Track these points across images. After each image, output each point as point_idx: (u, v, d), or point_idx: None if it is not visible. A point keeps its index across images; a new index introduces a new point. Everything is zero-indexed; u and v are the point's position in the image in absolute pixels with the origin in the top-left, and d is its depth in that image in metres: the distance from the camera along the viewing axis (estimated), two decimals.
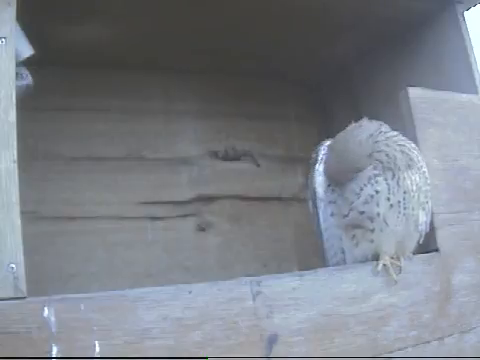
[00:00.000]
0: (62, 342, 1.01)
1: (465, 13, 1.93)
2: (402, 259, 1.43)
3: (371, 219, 1.38)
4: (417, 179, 1.40)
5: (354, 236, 1.42)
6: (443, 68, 1.95)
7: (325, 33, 2.08)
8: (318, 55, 2.28)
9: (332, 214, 1.49)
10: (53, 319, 1.01)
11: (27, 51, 1.29)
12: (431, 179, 1.47)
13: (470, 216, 1.62)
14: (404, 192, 1.38)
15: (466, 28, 1.91)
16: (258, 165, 2.44)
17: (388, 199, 1.37)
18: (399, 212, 1.38)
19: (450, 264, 1.52)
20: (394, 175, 1.37)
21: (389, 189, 1.37)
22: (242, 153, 2.42)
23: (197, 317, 1.14)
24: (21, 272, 1.03)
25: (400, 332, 1.38)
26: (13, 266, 1.03)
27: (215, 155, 2.38)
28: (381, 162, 1.37)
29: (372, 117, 1.47)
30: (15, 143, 1.09)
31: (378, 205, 1.37)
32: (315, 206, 1.55)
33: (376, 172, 1.37)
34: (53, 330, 1.01)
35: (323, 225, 1.55)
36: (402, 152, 1.39)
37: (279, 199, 2.43)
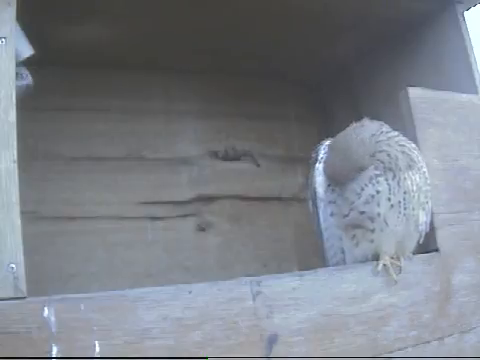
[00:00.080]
0: (62, 342, 1.01)
1: (465, 13, 1.93)
2: (402, 259, 1.43)
3: (371, 219, 1.38)
4: (417, 179, 1.40)
5: (354, 236, 1.42)
6: (443, 68, 1.95)
7: (325, 33, 2.08)
8: (318, 55, 2.28)
9: (332, 214, 1.49)
10: (53, 319, 1.01)
11: (27, 51, 1.29)
12: (431, 179, 1.47)
13: (470, 216, 1.62)
14: (404, 192, 1.38)
15: (466, 28, 1.91)
16: (258, 165, 2.44)
17: (389, 199, 1.37)
18: (399, 212, 1.38)
19: (450, 264, 1.52)
20: (395, 175, 1.37)
21: (390, 189, 1.37)
22: (242, 153, 2.42)
23: (197, 317, 1.14)
24: (21, 272, 1.03)
25: (400, 332, 1.38)
26: (13, 266, 1.03)
27: (215, 155, 2.38)
28: (382, 162, 1.37)
29: (372, 117, 1.47)
30: (15, 143, 1.09)
31: (379, 205, 1.37)
32: (315, 206, 1.55)
33: (377, 172, 1.37)
34: (53, 330, 1.01)
35: (323, 225, 1.55)
36: (403, 152, 1.39)
37: (279, 199, 2.43)
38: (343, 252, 1.52)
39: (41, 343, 1.00)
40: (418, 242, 1.48)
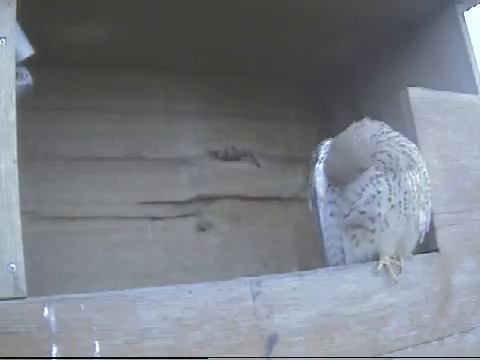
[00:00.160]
0: (62, 342, 1.01)
1: (465, 13, 1.93)
2: (402, 259, 1.43)
3: (372, 219, 1.38)
4: (418, 179, 1.40)
5: (354, 236, 1.42)
6: (443, 68, 1.95)
7: (326, 33, 2.08)
8: (318, 55, 2.28)
9: (332, 214, 1.49)
10: (53, 319, 1.01)
11: (27, 51, 1.29)
12: (431, 179, 1.47)
13: (470, 216, 1.62)
14: (405, 192, 1.38)
15: (466, 28, 1.91)
16: (258, 165, 2.44)
17: (389, 200, 1.37)
18: (400, 212, 1.38)
19: (450, 264, 1.52)
20: (395, 176, 1.37)
21: (390, 189, 1.37)
22: (242, 153, 2.42)
23: (197, 317, 1.14)
24: (21, 272, 1.03)
25: (400, 332, 1.38)
26: (13, 266, 1.03)
27: (215, 155, 2.38)
28: (383, 163, 1.37)
29: (372, 117, 1.47)
30: (15, 143, 1.09)
31: (379, 205, 1.37)
32: (315, 206, 1.55)
33: (378, 173, 1.37)
34: (53, 330, 1.01)
35: (323, 225, 1.55)
36: (403, 153, 1.39)
37: (279, 199, 2.43)
38: (343, 252, 1.52)
39: (41, 343, 1.00)
40: (418, 242, 1.48)
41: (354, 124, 1.45)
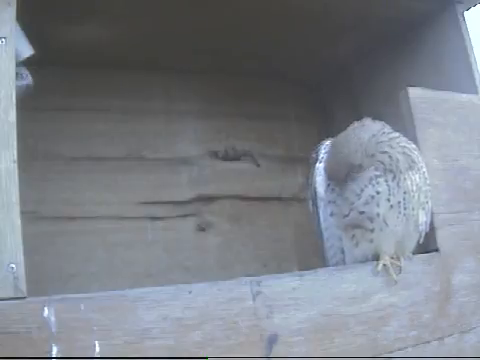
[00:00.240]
0: (62, 342, 1.01)
1: (465, 13, 1.93)
2: (402, 259, 1.43)
3: (371, 219, 1.38)
4: (417, 179, 1.40)
5: (354, 236, 1.42)
6: (443, 68, 1.95)
7: (326, 33, 2.08)
8: (318, 55, 2.28)
9: (332, 214, 1.49)
10: (53, 319, 1.01)
11: (27, 51, 1.29)
12: (431, 179, 1.47)
13: (470, 216, 1.62)
14: (404, 192, 1.38)
15: (466, 28, 1.91)
16: (258, 165, 2.44)
17: (388, 200, 1.37)
18: (399, 212, 1.38)
19: (450, 264, 1.52)
20: (395, 176, 1.37)
21: (389, 190, 1.37)
22: (242, 153, 2.42)
23: (197, 317, 1.14)
24: (21, 272, 1.03)
25: (400, 332, 1.38)
26: (13, 266, 1.03)
27: (215, 155, 2.38)
28: (383, 163, 1.37)
29: (372, 117, 1.47)
30: (15, 143, 1.09)
31: (378, 206, 1.37)
32: (315, 206, 1.55)
33: (377, 173, 1.37)
34: (53, 330, 1.01)
35: (323, 225, 1.56)
36: (404, 154, 1.39)
37: (279, 199, 2.43)
38: (343, 252, 1.52)
39: (41, 343, 1.00)
40: (418, 242, 1.48)
41: (355, 124, 1.45)
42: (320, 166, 1.51)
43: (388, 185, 1.37)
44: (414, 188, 1.39)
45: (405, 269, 1.42)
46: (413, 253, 1.48)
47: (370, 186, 1.37)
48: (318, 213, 1.55)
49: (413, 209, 1.40)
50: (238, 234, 2.31)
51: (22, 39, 1.27)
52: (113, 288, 1.23)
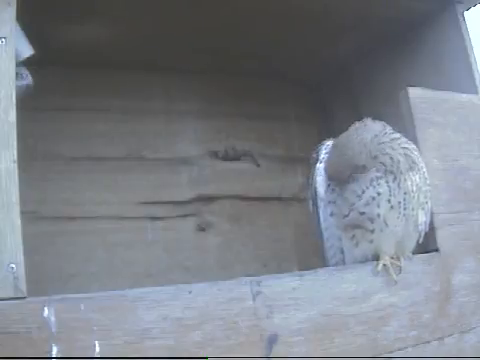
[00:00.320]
0: (62, 342, 1.01)
1: (465, 13, 1.93)
2: (402, 259, 1.43)
3: (371, 220, 1.38)
4: (417, 179, 1.40)
5: (354, 236, 1.42)
6: (443, 68, 1.95)
7: (326, 33, 2.08)
8: (318, 55, 2.28)
9: (332, 214, 1.49)
10: (53, 319, 1.01)
11: (27, 51, 1.29)
12: (431, 179, 1.47)
13: (470, 216, 1.62)
14: (404, 193, 1.38)
15: (466, 28, 1.91)
16: (258, 165, 2.44)
17: (389, 201, 1.37)
18: (399, 213, 1.38)
19: (450, 264, 1.52)
20: (395, 177, 1.37)
21: (390, 191, 1.37)
22: (242, 153, 2.42)
23: (197, 317, 1.14)
24: (21, 272, 1.03)
25: (400, 332, 1.38)
26: (13, 266, 1.03)
27: (215, 155, 2.38)
28: (384, 165, 1.37)
29: (372, 117, 1.47)
30: (15, 143, 1.09)
31: (379, 206, 1.37)
32: (315, 206, 1.55)
33: (378, 174, 1.37)
34: (53, 330, 1.01)
35: (323, 225, 1.56)
36: (405, 155, 1.39)
37: (279, 199, 2.43)
38: (342, 252, 1.52)
39: (41, 343, 1.00)
40: (417, 242, 1.48)
41: (356, 124, 1.45)
42: (321, 166, 1.51)
43: (389, 186, 1.37)
44: (414, 188, 1.39)
45: (405, 269, 1.42)
46: (413, 253, 1.48)
47: (371, 187, 1.37)
48: (318, 213, 1.55)
49: (413, 209, 1.40)
50: (238, 234, 2.31)
51: (22, 39, 1.27)
52: (113, 288, 1.23)
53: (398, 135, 1.42)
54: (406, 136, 1.45)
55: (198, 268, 2.17)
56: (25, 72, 1.30)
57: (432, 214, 1.49)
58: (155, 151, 2.25)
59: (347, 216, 1.41)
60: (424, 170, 1.43)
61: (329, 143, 1.51)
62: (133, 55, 2.09)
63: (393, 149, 1.38)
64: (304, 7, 1.86)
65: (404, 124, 1.58)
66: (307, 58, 2.30)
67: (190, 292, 1.15)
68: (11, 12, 1.16)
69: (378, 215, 1.37)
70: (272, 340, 1.20)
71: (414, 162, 1.40)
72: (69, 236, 2.00)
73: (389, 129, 1.43)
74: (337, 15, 1.95)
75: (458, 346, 1.47)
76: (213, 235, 2.28)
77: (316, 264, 1.50)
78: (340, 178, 1.41)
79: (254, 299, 1.21)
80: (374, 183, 1.37)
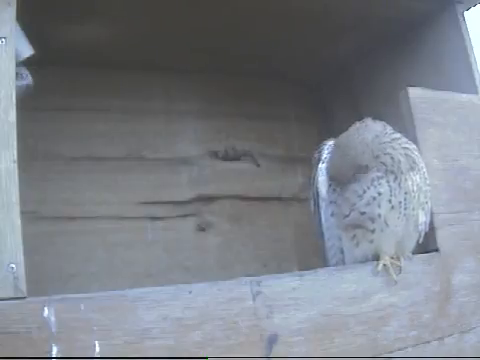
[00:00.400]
0: (62, 342, 1.01)
1: (465, 13, 1.93)
2: (402, 259, 1.43)
3: (372, 220, 1.38)
4: (418, 179, 1.40)
5: (354, 236, 1.42)
6: (443, 68, 1.95)
7: (326, 33, 2.08)
8: (318, 55, 2.28)
9: (332, 214, 1.50)
10: (53, 319, 1.01)
11: (27, 51, 1.29)
12: (431, 179, 1.47)
13: (470, 216, 1.62)
14: (405, 193, 1.38)
15: (466, 28, 1.91)
16: (258, 165, 2.44)
17: (390, 201, 1.37)
18: (400, 213, 1.39)
19: (450, 264, 1.52)
20: (396, 177, 1.37)
21: (391, 191, 1.37)
22: (242, 153, 2.42)
23: (197, 317, 1.14)
24: (21, 272, 1.03)
25: (400, 332, 1.38)
26: (13, 266, 1.03)
27: (215, 155, 2.38)
28: (385, 165, 1.37)
29: (372, 117, 1.47)
30: (15, 143, 1.09)
31: (379, 206, 1.37)
32: (317, 205, 1.55)
33: (379, 174, 1.37)
34: (53, 330, 1.01)
35: (324, 225, 1.55)
36: (406, 155, 1.39)
37: (279, 199, 2.43)
38: (342, 252, 1.52)
39: (41, 343, 1.00)
40: (417, 242, 1.48)
41: (357, 124, 1.45)
42: (323, 166, 1.51)
43: (390, 186, 1.37)
44: (415, 188, 1.39)
45: (405, 269, 1.42)
46: (413, 253, 1.48)
47: (372, 187, 1.37)
48: (319, 213, 1.55)
49: (413, 209, 1.40)
50: (238, 234, 2.31)
51: (22, 39, 1.27)
52: (113, 288, 1.23)
53: (399, 135, 1.43)
54: (406, 136, 1.45)
55: (198, 268, 2.17)
56: (25, 72, 1.30)
57: (432, 214, 1.49)
58: (155, 151, 2.25)
59: (348, 216, 1.41)
60: (424, 170, 1.43)
61: (331, 143, 1.51)
62: (133, 55, 2.09)
63: (394, 149, 1.38)
64: (304, 7, 1.87)
65: (404, 124, 1.58)
66: (307, 58, 2.30)
67: (190, 292, 1.15)
68: (11, 12, 1.16)
69: (379, 215, 1.37)
70: (272, 340, 1.20)
71: (415, 162, 1.40)
72: (69, 236, 2.00)
73: (389, 129, 1.43)
74: (337, 15, 1.95)
75: (458, 346, 1.47)
76: (213, 235, 2.28)
77: (316, 264, 1.49)
78: (343, 178, 1.41)
79: (254, 299, 1.21)
80: (375, 183, 1.37)
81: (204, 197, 2.30)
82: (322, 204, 1.53)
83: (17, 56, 1.19)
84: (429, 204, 1.45)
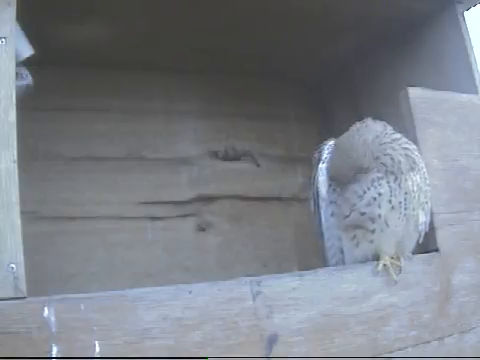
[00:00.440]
0: (62, 342, 1.01)
1: (465, 13, 1.93)
2: (402, 259, 1.43)
3: (372, 220, 1.38)
4: (418, 180, 1.40)
5: (354, 236, 1.42)
6: (443, 68, 1.95)
7: (326, 33, 2.08)
8: (318, 55, 2.28)
9: (332, 214, 1.50)
10: (53, 319, 1.01)
11: (27, 51, 1.29)
12: (431, 179, 1.47)
13: (470, 216, 1.62)
14: (405, 193, 1.38)
15: (466, 28, 1.91)
16: (258, 165, 2.44)
17: (390, 201, 1.37)
18: (400, 213, 1.39)
19: (450, 264, 1.52)
20: (396, 178, 1.37)
21: (391, 191, 1.37)
22: (242, 153, 2.42)
23: (197, 317, 1.14)
24: (21, 272, 1.03)
25: (400, 332, 1.38)
26: (13, 266, 1.03)
27: (215, 155, 2.38)
28: (385, 165, 1.37)
29: (372, 117, 1.47)
30: (15, 143, 1.10)
31: (380, 207, 1.37)
32: (317, 206, 1.55)
33: (379, 175, 1.37)
34: (53, 330, 1.01)
35: (324, 225, 1.55)
36: (406, 156, 1.39)
37: (279, 199, 2.43)
38: (342, 252, 1.52)
39: (41, 343, 1.00)
40: (417, 242, 1.48)
41: (357, 124, 1.45)
42: (323, 166, 1.51)
43: (390, 186, 1.37)
44: (415, 189, 1.39)
45: (405, 269, 1.42)
46: (413, 253, 1.48)
47: (372, 188, 1.37)
48: (319, 213, 1.55)
49: (413, 209, 1.40)
50: (238, 234, 2.31)
51: (22, 39, 1.27)
52: (113, 288, 1.23)
53: (399, 135, 1.43)
54: (406, 136, 1.45)
55: (198, 268, 2.17)
56: (25, 72, 1.30)
57: (432, 214, 1.49)
58: (155, 151, 2.25)
59: (348, 216, 1.41)
60: (424, 170, 1.43)
61: (331, 143, 1.51)
62: (133, 55, 2.09)
63: (394, 150, 1.38)
64: (304, 7, 1.87)
65: (404, 124, 1.58)
66: (307, 58, 2.30)
67: (190, 292, 1.15)
68: (11, 12, 1.16)
69: (379, 215, 1.37)
70: (272, 340, 1.20)
71: (415, 162, 1.40)
72: (69, 236, 2.00)
73: (390, 129, 1.43)
74: (337, 15, 1.95)
75: (458, 346, 1.47)
76: (213, 235, 2.29)
77: (316, 264, 1.50)
78: (343, 179, 1.41)
79: (254, 299, 1.21)
80: (375, 184, 1.37)
81: (204, 197, 2.30)
82: (322, 204, 1.53)
83: (17, 56, 1.19)
84: (429, 204, 1.45)
